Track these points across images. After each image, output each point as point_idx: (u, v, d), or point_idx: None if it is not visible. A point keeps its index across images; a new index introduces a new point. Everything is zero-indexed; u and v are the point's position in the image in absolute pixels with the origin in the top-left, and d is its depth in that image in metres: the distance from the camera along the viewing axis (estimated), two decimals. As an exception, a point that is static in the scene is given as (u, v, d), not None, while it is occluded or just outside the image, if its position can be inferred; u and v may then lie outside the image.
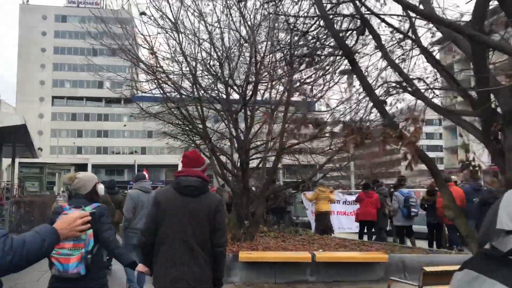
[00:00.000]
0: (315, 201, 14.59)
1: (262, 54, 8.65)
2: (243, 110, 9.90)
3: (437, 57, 7.11)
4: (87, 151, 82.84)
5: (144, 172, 7.66)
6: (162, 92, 10.07)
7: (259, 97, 10.29)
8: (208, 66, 9.65)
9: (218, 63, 9.69)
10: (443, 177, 11.77)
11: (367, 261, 8.37)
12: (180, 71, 9.82)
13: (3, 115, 14.43)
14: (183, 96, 10.10)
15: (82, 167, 45.00)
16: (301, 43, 7.23)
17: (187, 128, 10.87)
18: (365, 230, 13.46)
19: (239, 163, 10.31)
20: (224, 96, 10.02)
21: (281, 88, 9.90)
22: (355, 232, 15.68)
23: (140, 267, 3.75)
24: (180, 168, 3.90)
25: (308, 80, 8.26)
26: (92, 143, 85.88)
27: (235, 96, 10.25)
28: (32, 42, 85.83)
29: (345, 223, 16.65)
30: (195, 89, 9.81)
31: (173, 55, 9.90)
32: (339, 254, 8.75)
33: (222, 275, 3.72)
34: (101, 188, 4.07)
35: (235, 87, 9.62)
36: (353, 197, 16.63)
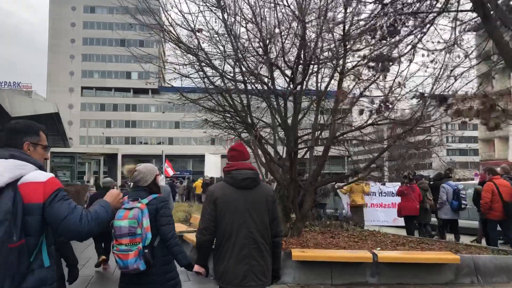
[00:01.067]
0: (349, 194, 14.13)
1: (316, 31, 7.75)
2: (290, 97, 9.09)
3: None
4: (116, 141, 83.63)
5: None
6: (204, 75, 9.32)
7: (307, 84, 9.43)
8: (253, 46, 8.86)
9: (262, 44, 8.89)
10: (489, 168, 10.84)
11: (436, 262, 7.50)
12: (223, 53, 9.04)
13: (38, 104, 14.03)
14: (227, 80, 9.34)
15: (112, 157, 45.07)
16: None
17: (230, 114, 10.11)
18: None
19: (285, 153, 9.53)
20: (270, 80, 9.22)
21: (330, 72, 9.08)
22: (390, 225, 14.90)
23: (197, 267, 3.62)
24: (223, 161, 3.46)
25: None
26: (121, 133, 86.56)
27: (280, 81, 9.47)
28: (62, 33, 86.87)
29: (380, 216, 15.87)
30: (240, 71, 9.03)
31: (215, 35, 9.12)
32: (405, 254, 7.90)
33: (280, 266, 3.75)
34: (161, 179, 3.57)
35: (284, 69, 8.80)
36: (391, 189, 15.80)
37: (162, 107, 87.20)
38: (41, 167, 2.50)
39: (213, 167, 28.31)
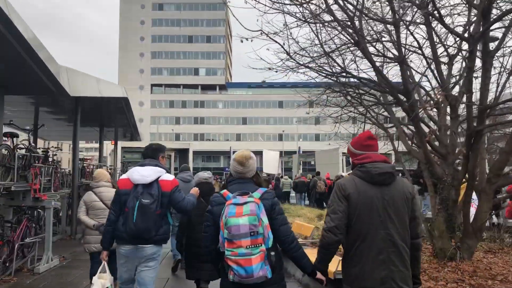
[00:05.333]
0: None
1: None
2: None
3: None
4: (185, 137, 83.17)
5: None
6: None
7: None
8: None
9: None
10: None
11: None
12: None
13: (104, 85, 11.64)
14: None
15: (183, 152, 43.65)
16: None
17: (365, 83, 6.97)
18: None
19: (458, 135, 6.22)
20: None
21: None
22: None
23: (319, 274, 3.18)
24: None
25: None
26: (190, 129, 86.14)
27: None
28: (131, 32, 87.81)
29: None
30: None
31: None
32: None
33: (420, 271, 3.26)
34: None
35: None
36: None
37: (229, 103, 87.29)
38: (167, 171, 4.41)
39: (271, 163, 27.69)
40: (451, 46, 7.32)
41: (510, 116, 7.01)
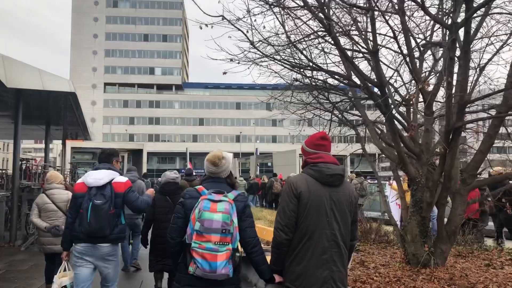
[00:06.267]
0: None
1: None
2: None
3: None
4: (139, 138, 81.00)
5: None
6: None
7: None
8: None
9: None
10: None
11: None
12: None
13: (48, 77, 10.52)
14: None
15: (137, 153, 42.17)
16: None
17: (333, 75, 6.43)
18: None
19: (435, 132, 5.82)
20: None
21: None
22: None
23: (278, 277, 3.16)
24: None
25: None
26: (144, 130, 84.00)
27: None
28: (84, 28, 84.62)
29: None
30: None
31: None
32: None
33: (347, 271, 3.27)
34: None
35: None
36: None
37: (186, 103, 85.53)
38: (121, 173, 4.66)
39: None
40: (426, 39, 6.91)
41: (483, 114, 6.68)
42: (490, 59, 6.64)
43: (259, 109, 58.89)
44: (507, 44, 6.44)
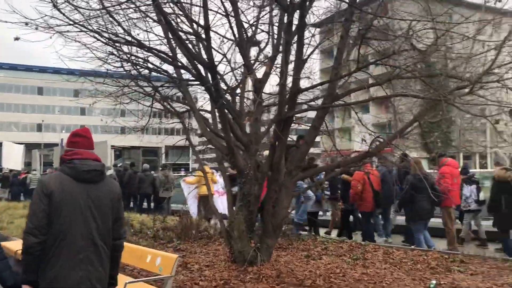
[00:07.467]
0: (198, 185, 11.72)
1: None
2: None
3: None
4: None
5: None
6: None
7: None
8: None
9: None
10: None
11: None
12: None
13: None
14: None
15: None
16: None
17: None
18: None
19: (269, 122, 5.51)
20: None
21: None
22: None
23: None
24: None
25: None
26: None
27: None
28: None
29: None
30: None
31: None
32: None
33: (118, 272, 3.31)
34: None
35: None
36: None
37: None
38: None
39: (14, 158, 24.81)
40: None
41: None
42: (313, 51, 6.62)
43: (66, 95, 53.86)
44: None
